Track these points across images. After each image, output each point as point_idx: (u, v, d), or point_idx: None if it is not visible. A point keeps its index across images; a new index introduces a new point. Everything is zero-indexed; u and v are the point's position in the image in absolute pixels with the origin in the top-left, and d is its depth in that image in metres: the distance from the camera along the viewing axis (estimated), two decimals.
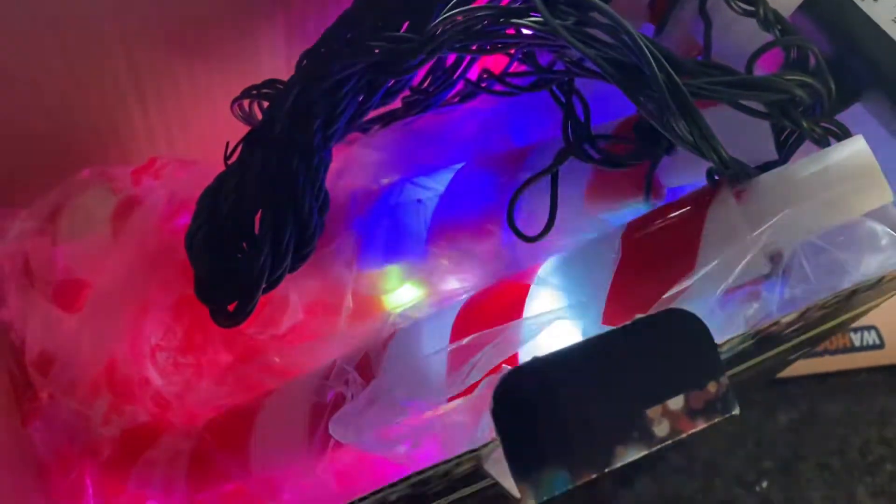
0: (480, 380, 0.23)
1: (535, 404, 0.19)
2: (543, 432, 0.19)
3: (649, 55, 0.21)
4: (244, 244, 0.29)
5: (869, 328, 0.53)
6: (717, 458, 0.49)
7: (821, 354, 0.52)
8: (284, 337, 0.31)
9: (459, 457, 0.18)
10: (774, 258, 0.23)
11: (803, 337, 0.26)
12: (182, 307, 0.32)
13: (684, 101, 0.21)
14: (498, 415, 0.18)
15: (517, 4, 0.24)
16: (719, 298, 0.24)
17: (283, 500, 0.30)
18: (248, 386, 0.31)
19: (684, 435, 0.20)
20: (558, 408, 0.19)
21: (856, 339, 0.53)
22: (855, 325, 0.53)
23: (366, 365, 0.26)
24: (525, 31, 0.24)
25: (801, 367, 0.52)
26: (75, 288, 0.32)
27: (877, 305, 0.30)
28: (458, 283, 0.29)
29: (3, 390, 0.32)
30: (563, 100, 0.26)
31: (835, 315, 0.24)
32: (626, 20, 0.28)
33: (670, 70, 0.21)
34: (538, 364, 0.19)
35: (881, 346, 0.53)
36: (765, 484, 0.49)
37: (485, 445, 0.18)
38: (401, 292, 0.31)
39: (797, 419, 0.51)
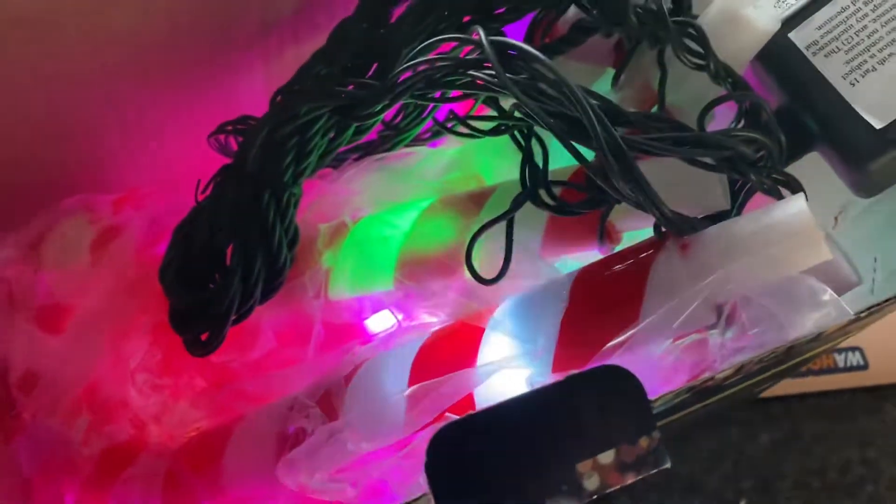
0: (430, 423, 0.23)
1: (466, 459, 0.20)
2: (473, 488, 0.19)
3: (589, 110, 0.22)
4: (216, 275, 0.30)
5: (854, 349, 0.54)
6: (695, 476, 0.50)
7: (804, 375, 0.53)
8: (257, 364, 0.32)
9: None
10: (719, 309, 0.24)
11: (753, 381, 0.27)
12: (160, 332, 0.33)
13: (622, 157, 0.22)
14: (430, 469, 0.19)
15: (473, 56, 0.25)
16: (666, 346, 0.24)
17: None
18: (222, 410, 0.32)
19: (613, 489, 0.20)
20: (489, 461, 0.20)
21: (840, 360, 0.53)
22: (840, 346, 0.53)
23: (327, 399, 0.27)
24: (479, 84, 0.24)
25: (784, 387, 0.52)
26: (58, 311, 0.33)
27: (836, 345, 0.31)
28: (425, 317, 0.30)
29: None
30: (523, 144, 0.27)
31: (778, 364, 0.25)
32: (592, 65, 0.29)
33: (608, 125, 0.22)
34: (472, 419, 0.20)
35: (865, 367, 0.53)
36: (743, 503, 0.50)
37: (416, 499, 0.19)
38: (370, 322, 0.32)
39: (779, 438, 0.52)
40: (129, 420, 0.33)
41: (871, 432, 0.52)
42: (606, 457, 0.20)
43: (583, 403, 0.20)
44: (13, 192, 0.33)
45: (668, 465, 0.21)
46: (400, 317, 0.31)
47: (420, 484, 0.21)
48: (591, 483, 0.20)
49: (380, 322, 0.32)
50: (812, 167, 0.28)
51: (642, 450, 0.21)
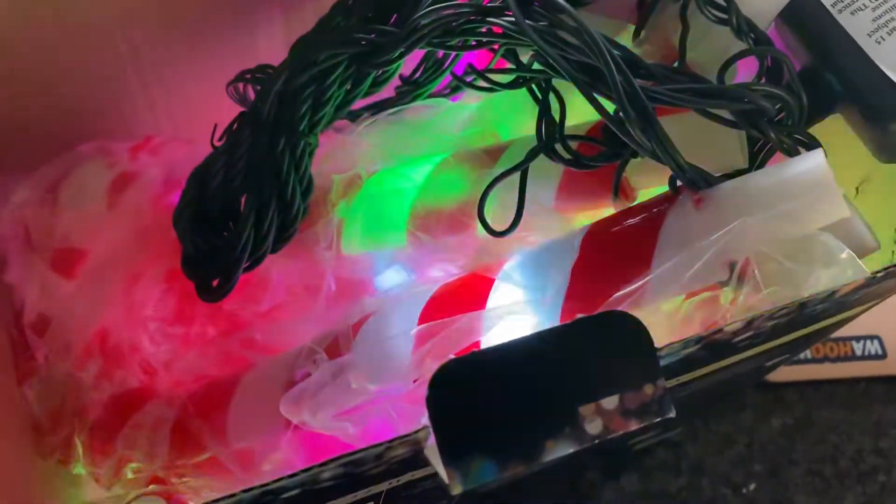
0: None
1: (469, 395, 0.19)
2: (475, 422, 0.19)
3: (609, 57, 0.22)
4: (230, 223, 0.30)
5: (872, 338, 0.53)
6: (705, 457, 0.49)
7: (820, 361, 0.52)
8: (266, 314, 0.32)
9: (391, 441, 0.19)
10: (731, 265, 0.23)
11: (765, 347, 0.26)
12: (173, 280, 0.33)
13: (641, 107, 0.21)
14: (433, 402, 0.19)
15: (495, 4, 0.25)
16: (677, 301, 0.24)
17: (263, 472, 0.31)
18: (231, 359, 0.32)
19: (616, 434, 0.20)
20: (492, 400, 0.20)
21: (858, 347, 0.52)
22: (858, 333, 0.52)
23: (335, 347, 0.27)
24: (499, 31, 0.24)
25: (799, 372, 0.52)
26: (73, 256, 0.33)
27: (854, 317, 0.30)
28: (435, 272, 0.30)
29: (2, 350, 0.34)
30: (539, 98, 0.27)
31: (791, 326, 0.24)
32: (613, 19, 0.29)
33: (628, 74, 0.22)
34: (477, 357, 0.20)
35: (883, 356, 0.52)
36: (752, 486, 0.49)
37: (417, 431, 0.19)
38: (380, 278, 0.32)
39: (791, 424, 0.51)
40: (140, 366, 0.33)
41: (886, 422, 0.51)
42: (610, 402, 0.20)
43: (589, 347, 0.20)
44: (32, 137, 0.33)
45: (672, 415, 0.21)
46: (413, 276, 0.31)
47: (423, 422, 0.21)
48: (594, 427, 0.20)
49: (390, 279, 0.32)
50: (833, 136, 0.27)
51: (647, 397, 0.20)
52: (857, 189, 0.30)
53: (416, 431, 0.19)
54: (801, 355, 0.52)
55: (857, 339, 0.52)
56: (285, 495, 0.19)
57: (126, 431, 0.33)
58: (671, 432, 0.48)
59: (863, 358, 0.52)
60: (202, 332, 0.33)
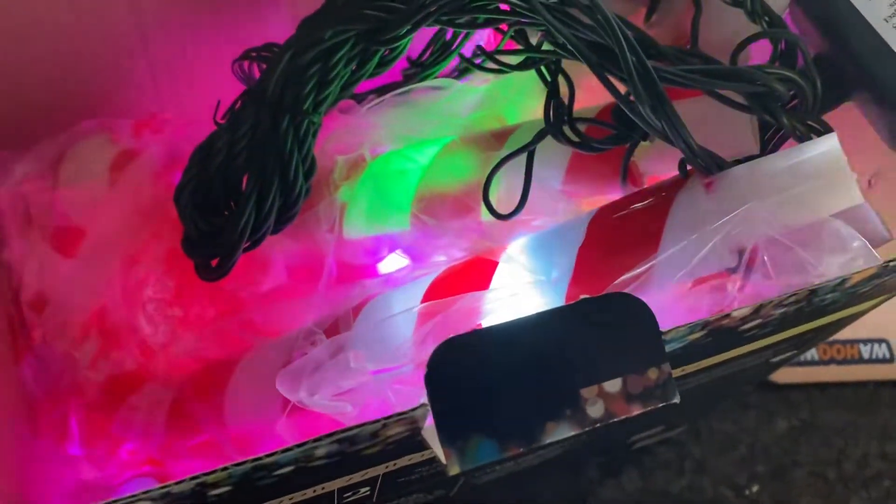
0: None
1: (469, 374, 0.19)
2: (474, 401, 0.19)
3: (621, 37, 0.21)
4: (231, 202, 0.30)
5: (880, 341, 0.52)
6: (708, 458, 0.49)
7: (827, 363, 0.51)
8: (266, 296, 0.31)
9: (387, 418, 0.18)
10: (740, 252, 0.23)
11: (772, 339, 0.26)
12: (173, 260, 0.33)
13: (653, 86, 0.21)
14: (431, 380, 0.19)
15: None
16: (683, 289, 0.24)
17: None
18: (229, 341, 0.32)
19: (618, 419, 0.20)
20: (493, 379, 0.19)
21: (865, 350, 0.52)
22: (865, 336, 0.52)
23: (335, 330, 0.27)
24: (507, 9, 0.24)
25: (805, 374, 0.51)
26: (73, 234, 0.33)
27: (861, 314, 0.30)
28: (437, 256, 0.30)
29: (0, 328, 0.33)
30: (549, 80, 0.26)
31: (800, 317, 0.24)
32: (624, 3, 0.28)
33: (641, 54, 0.21)
34: (478, 335, 0.19)
35: (891, 360, 0.52)
36: (755, 488, 0.49)
37: (414, 409, 0.18)
38: (382, 263, 0.31)
39: (796, 426, 0.51)
40: (137, 346, 0.33)
41: (892, 427, 0.51)
42: (613, 385, 0.20)
43: (592, 328, 0.20)
44: (36, 115, 0.33)
45: (677, 400, 0.20)
46: (416, 260, 0.30)
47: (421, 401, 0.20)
48: (596, 410, 0.20)
49: (393, 263, 0.31)
50: (846, 128, 0.27)
51: (650, 381, 0.20)
52: (869, 182, 0.30)
53: (414, 409, 0.18)
54: (808, 357, 0.51)
55: (865, 341, 0.52)
56: (278, 471, 0.19)
57: (122, 413, 0.33)
58: (673, 431, 0.47)
59: (870, 361, 0.52)
60: (201, 313, 0.33)
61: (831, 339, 0.51)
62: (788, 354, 0.33)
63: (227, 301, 0.32)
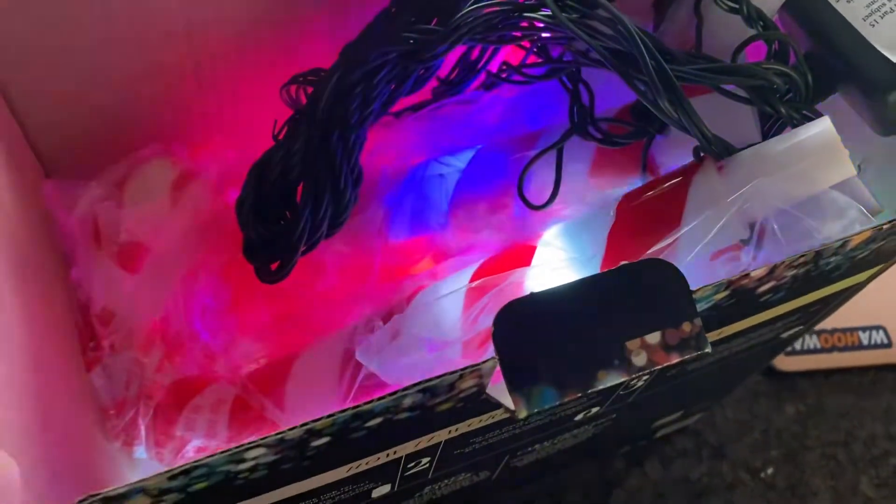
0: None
1: (530, 330, 0.22)
2: (536, 354, 0.22)
3: (641, 44, 0.25)
4: (287, 211, 0.33)
5: (877, 328, 0.55)
6: (724, 444, 0.51)
7: (829, 351, 0.55)
8: (320, 296, 0.34)
9: (463, 369, 0.21)
10: (752, 225, 0.26)
11: (784, 308, 0.29)
12: (230, 270, 0.36)
13: (670, 83, 0.24)
14: (497, 337, 0.22)
15: (531, 1, 0.28)
16: (704, 260, 0.27)
17: None
18: (287, 342, 0.35)
19: (659, 366, 0.23)
20: (550, 335, 0.22)
21: (864, 337, 0.55)
22: (863, 324, 0.55)
23: (391, 317, 0.30)
24: (537, 25, 0.27)
25: (810, 362, 0.54)
26: (137, 251, 0.36)
27: (859, 287, 0.33)
28: (475, 251, 0.33)
29: (72, 341, 0.36)
30: (570, 87, 0.30)
31: (808, 283, 0.27)
32: (630, 17, 0.32)
33: (659, 56, 0.24)
34: (535, 298, 0.23)
35: (889, 345, 0.55)
36: (770, 471, 0.51)
37: (485, 362, 0.21)
38: (424, 264, 0.34)
39: (804, 411, 0.53)
40: (200, 352, 0.36)
41: (895, 408, 0.54)
42: (653, 337, 0.23)
43: (632, 290, 0.23)
44: (94, 144, 0.36)
45: (709, 350, 0.23)
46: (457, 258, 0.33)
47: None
48: (640, 360, 0.23)
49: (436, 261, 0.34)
50: (835, 121, 0.30)
51: (685, 333, 0.23)
52: (859, 167, 0.33)
53: (484, 362, 0.21)
54: (812, 346, 0.54)
55: (864, 329, 0.55)
56: (370, 423, 0.22)
57: (186, 414, 0.35)
58: (691, 419, 0.50)
59: (869, 347, 0.55)
60: (257, 317, 0.36)
61: (832, 328, 0.55)
62: (797, 330, 0.36)
63: (283, 303, 0.35)
